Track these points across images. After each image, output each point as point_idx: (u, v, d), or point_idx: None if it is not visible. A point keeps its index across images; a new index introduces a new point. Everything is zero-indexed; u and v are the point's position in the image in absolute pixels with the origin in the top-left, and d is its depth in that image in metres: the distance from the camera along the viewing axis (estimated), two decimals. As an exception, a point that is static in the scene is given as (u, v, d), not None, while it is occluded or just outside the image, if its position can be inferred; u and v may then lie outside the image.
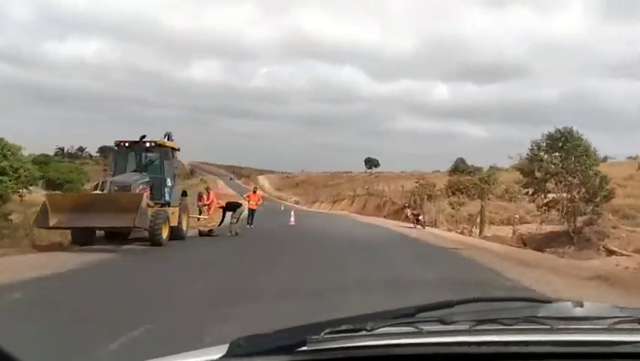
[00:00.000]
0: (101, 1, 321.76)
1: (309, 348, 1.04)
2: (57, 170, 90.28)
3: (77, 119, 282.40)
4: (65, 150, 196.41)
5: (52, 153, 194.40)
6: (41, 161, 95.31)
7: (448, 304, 1.21)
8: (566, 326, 1.12)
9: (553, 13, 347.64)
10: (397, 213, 31.97)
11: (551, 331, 1.10)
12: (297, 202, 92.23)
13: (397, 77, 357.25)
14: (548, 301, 1.24)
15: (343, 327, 1.09)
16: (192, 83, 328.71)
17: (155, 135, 16.67)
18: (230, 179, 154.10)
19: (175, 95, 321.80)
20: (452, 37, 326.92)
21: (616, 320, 1.13)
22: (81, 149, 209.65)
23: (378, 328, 1.08)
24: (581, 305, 1.16)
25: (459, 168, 48.04)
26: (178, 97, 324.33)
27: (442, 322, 1.11)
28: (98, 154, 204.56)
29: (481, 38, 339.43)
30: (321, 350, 1.04)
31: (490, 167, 48.34)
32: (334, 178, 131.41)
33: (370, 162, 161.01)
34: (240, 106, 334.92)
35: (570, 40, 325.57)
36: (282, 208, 52.01)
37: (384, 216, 35.60)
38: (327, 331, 1.07)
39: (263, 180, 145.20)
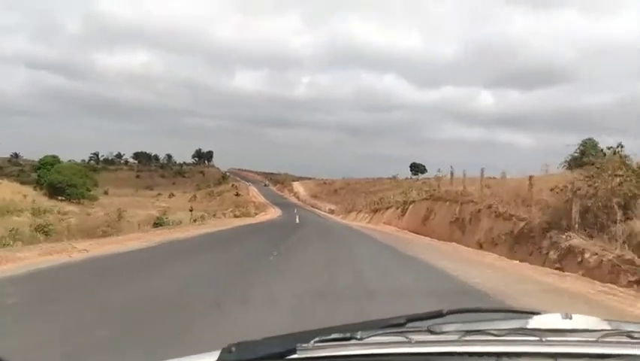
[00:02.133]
0: (147, 14, 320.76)
1: (299, 356, 1.03)
2: (59, 172, 78.27)
3: (123, 129, 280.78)
4: (101, 156, 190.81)
5: (87, 159, 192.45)
6: (48, 162, 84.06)
7: (438, 314, 1.20)
8: (555, 338, 1.11)
9: (603, 14, 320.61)
10: (523, 242, 13.72)
11: (541, 343, 1.09)
12: (332, 211, 76.45)
13: (440, 84, 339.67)
14: (537, 313, 1.19)
15: (333, 335, 1.08)
16: (236, 93, 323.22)
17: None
18: (265, 185, 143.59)
19: (219, 105, 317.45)
20: (496, 42, 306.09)
21: (604, 332, 1.12)
22: (119, 155, 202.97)
23: (368, 337, 1.07)
24: (570, 317, 1.14)
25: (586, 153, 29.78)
26: (222, 107, 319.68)
27: (432, 332, 1.10)
28: (133, 160, 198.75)
29: (526, 42, 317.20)
30: (311, 358, 1.03)
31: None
32: (377, 184, 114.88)
33: (416, 168, 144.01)
34: (282, 115, 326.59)
35: (622, 43, 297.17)
36: (297, 221, 36.76)
37: (491, 246, 15.61)
38: (317, 339, 1.06)
39: (298, 186, 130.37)
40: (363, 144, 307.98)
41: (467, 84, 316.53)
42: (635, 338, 1.12)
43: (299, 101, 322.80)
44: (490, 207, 16.22)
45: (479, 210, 17.20)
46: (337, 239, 20.97)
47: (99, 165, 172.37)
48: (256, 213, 63.36)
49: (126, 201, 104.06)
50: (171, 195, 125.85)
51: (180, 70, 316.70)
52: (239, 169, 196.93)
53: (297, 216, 46.24)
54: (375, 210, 37.24)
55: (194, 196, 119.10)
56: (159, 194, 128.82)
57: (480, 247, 15.84)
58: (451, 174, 24.93)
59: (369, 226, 32.18)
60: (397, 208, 32.48)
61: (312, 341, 1.06)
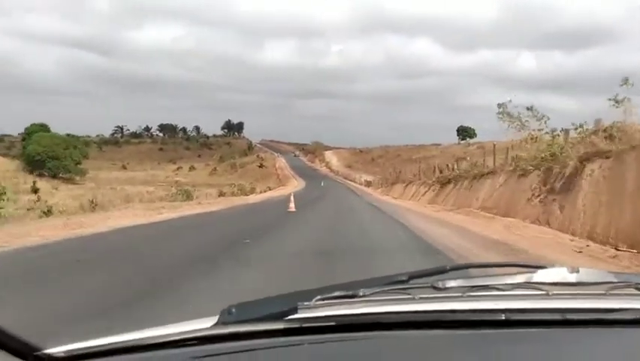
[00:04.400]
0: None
1: (301, 315, 1.01)
2: (39, 143, 64.92)
3: (154, 104, 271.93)
4: (126, 130, 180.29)
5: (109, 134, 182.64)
6: (34, 132, 71.00)
7: (442, 271, 1.15)
8: (562, 292, 1.08)
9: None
10: None
11: (547, 297, 1.06)
12: (368, 183, 60.41)
13: (477, 47, 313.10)
14: (543, 267, 1.14)
15: (335, 293, 1.05)
16: (267, 66, 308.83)
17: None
18: (295, 155, 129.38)
19: (250, 79, 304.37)
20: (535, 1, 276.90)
21: (612, 285, 1.09)
22: (147, 128, 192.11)
23: (371, 294, 1.05)
24: (577, 271, 1.09)
25: None
26: (253, 81, 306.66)
27: (435, 288, 1.06)
28: (159, 132, 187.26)
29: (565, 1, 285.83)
30: (313, 317, 1.01)
31: None
32: (420, 151, 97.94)
33: (465, 133, 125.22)
34: (314, 86, 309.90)
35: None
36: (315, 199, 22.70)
37: None
38: (318, 298, 1.03)
39: (330, 156, 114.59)
40: (397, 111, 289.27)
41: (506, 46, 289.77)
42: None
43: (331, 72, 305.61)
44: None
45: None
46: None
47: (122, 139, 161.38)
48: (269, 189, 48.35)
49: (137, 175, 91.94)
50: (192, 168, 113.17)
51: (211, 44, 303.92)
52: (271, 140, 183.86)
53: (321, 192, 34.22)
54: (444, 183, 21.31)
55: (215, 169, 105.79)
56: (180, 167, 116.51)
57: None
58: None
59: (440, 216, 15.59)
60: (485, 185, 16.07)
61: (313, 300, 1.02)
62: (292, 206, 15.96)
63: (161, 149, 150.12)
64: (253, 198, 28.32)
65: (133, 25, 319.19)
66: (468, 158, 25.45)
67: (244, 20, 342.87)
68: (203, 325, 1.04)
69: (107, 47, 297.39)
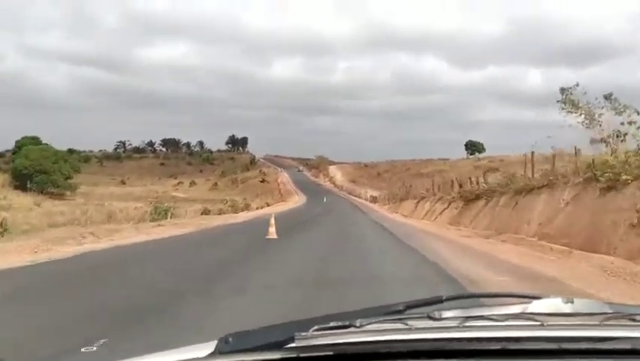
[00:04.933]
0: (184, 6, 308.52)
1: (298, 345, 1.00)
2: (27, 157, 61.18)
3: (160, 120, 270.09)
4: (129, 145, 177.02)
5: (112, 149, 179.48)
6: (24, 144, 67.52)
7: (438, 301, 1.17)
8: (557, 323, 1.07)
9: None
10: None
11: (542, 327, 1.05)
12: (374, 199, 56.26)
13: (484, 64, 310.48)
14: (538, 298, 1.16)
15: (332, 323, 1.05)
16: (274, 82, 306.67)
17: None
18: (299, 170, 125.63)
19: (257, 95, 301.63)
20: (543, 17, 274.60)
21: (606, 315, 1.09)
22: (151, 143, 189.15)
23: (367, 324, 1.04)
24: (571, 301, 1.11)
25: None
26: (260, 97, 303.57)
27: (432, 318, 1.07)
28: (161, 147, 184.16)
29: (576, 16, 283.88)
30: (310, 346, 1.00)
31: None
32: (428, 165, 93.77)
33: (473, 147, 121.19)
34: (320, 102, 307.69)
35: None
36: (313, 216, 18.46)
37: None
38: (315, 328, 1.03)
39: (334, 170, 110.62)
40: (402, 128, 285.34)
41: (513, 63, 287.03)
42: (637, 321, 1.08)
43: (336, 88, 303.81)
44: None
45: None
46: None
47: (124, 154, 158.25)
48: (267, 205, 44.46)
49: (134, 191, 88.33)
50: (192, 184, 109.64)
51: (217, 61, 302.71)
52: (275, 156, 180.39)
53: (323, 209, 31.38)
54: (469, 200, 17.03)
55: (215, 184, 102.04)
56: (180, 182, 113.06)
57: None
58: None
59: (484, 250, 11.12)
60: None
61: (310, 330, 1.02)
62: (272, 231, 11.85)
63: (162, 164, 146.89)
64: (243, 216, 24.34)
65: (140, 42, 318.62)
66: (500, 169, 21.25)
67: (251, 37, 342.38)
68: (200, 353, 1.02)
69: (113, 63, 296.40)
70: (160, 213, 23.56)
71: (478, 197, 16.79)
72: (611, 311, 1.10)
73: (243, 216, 24.03)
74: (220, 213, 28.57)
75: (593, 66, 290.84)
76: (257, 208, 40.42)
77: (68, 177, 60.83)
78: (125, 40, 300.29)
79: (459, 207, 18.59)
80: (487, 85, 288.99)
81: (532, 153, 15.23)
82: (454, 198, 20.95)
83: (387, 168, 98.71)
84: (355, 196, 66.96)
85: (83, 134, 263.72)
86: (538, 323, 1.05)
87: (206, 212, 26.05)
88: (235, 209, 30.24)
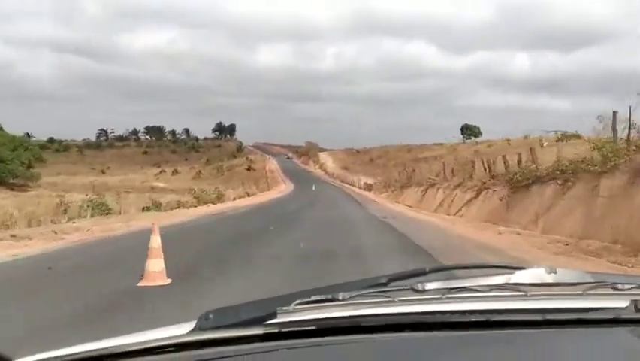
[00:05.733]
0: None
1: (280, 320, 0.98)
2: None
3: (146, 109, 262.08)
4: (111, 133, 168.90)
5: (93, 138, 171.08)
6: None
7: (421, 273, 1.14)
8: (540, 293, 1.08)
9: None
10: None
11: (525, 297, 1.06)
12: (368, 187, 50.63)
13: (472, 49, 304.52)
14: (521, 268, 1.12)
15: (314, 297, 1.03)
16: (261, 69, 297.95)
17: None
18: (288, 158, 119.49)
19: (245, 82, 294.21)
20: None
21: (589, 285, 1.08)
22: (135, 132, 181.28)
23: (350, 298, 1.02)
24: (555, 271, 1.08)
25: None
26: (248, 84, 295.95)
27: (415, 290, 1.04)
28: (146, 135, 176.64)
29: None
30: (292, 321, 0.98)
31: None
32: (424, 150, 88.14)
33: (470, 131, 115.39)
34: (308, 89, 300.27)
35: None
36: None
37: None
38: (297, 302, 1.01)
39: (325, 157, 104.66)
40: (393, 114, 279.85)
41: (501, 48, 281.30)
42: (620, 290, 1.08)
43: (325, 74, 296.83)
44: None
45: None
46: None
47: (106, 142, 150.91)
48: (247, 194, 38.63)
49: (109, 181, 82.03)
50: (175, 173, 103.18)
51: (204, 47, 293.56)
52: (264, 143, 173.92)
53: (310, 199, 26.71)
54: (519, 187, 11.39)
55: (199, 172, 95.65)
56: (162, 171, 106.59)
57: None
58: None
59: None
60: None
61: (292, 304, 1.00)
62: (154, 270, 5.45)
63: (145, 152, 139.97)
64: (194, 214, 18.29)
65: (125, 28, 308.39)
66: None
67: (237, 23, 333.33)
68: (180, 331, 1.01)
69: (97, 51, 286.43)
70: (98, 208, 17.77)
71: (537, 181, 11.01)
72: (593, 281, 1.08)
73: (192, 214, 18.09)
74: (178, 207, 22.64)
75: (581, 50, 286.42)
76: (234, 199, 34.55)
77: (29, 167, 54.45)
78: (109, 28, 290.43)
79: (504, 197, 12.65)
80: (476, 70, 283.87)
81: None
82: (484, 184, 15.14)
83: (381, 154, 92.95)
84: (348, 184, 61.20)
85: (66, 124, 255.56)
86: (521, 294, 1.04)
87: (155, 205, 20.11)
88: (201, 201, 24.34)
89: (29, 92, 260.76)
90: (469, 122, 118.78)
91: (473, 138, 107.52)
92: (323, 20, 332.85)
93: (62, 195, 41.33)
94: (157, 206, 20.35)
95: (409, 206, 24.10)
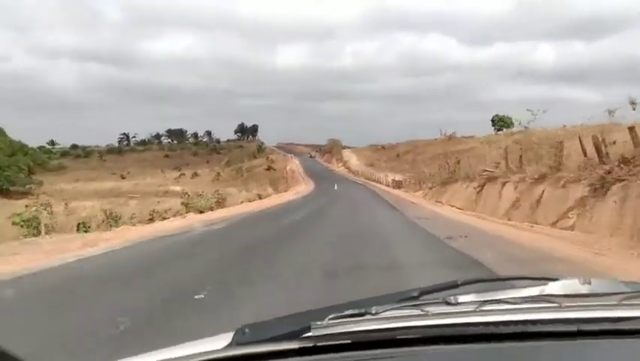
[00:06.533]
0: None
1: (314, 334, 0.98)
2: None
3: (174, 113, 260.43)
4: (132, 138, 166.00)
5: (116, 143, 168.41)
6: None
7: (453, 285, 1.13)
8: (574, 304, 1.04)
9: None
10: None
11: (559, 309, 1.03)
12: (398, 184, 44.71)
13: (492, 40, 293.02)
14: (555, 279, 1.12)
15: (348, 312, 1.02)
16: (281, 70, 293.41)
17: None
18: (311, 156, 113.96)
19: (266, 83, 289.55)
20: None
21: (624, 295, 1.05)
22: (158, 136, 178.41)
23: (383, 311, 1.02)
24: (589, 282, 1.07)
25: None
26: (269, 85, 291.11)
27: (448, 303, 1.04)
28: (167, 138, 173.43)
29: None
30: (326, 335, 0.98)
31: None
32: (454, 144, 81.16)
33: (501, 122, 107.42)
34: (330, 88, 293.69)
35: None
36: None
37: None
38: (331, 316, 1.00)
39: (349, 154, 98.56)
40: (415, 109, 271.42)
41: (523, 38, 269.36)
42: None
43: (345, 72, 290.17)
44: None
45: None
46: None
47: (127, 147, 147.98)
48: (259, 197, 33.20)
49: (123, 186, 78.07)
50: (194, 175, 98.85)
51: (223, 50, 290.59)
52: (288, 143, 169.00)
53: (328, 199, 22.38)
54: None
55: (218, 174, 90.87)
56: (182, 174, 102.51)
57: None
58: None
59: None
60: None
61: (326, 319, 0.99)
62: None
63: (166, 156, 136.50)
64: (169, 226, 12.79)
65: (146, 35, 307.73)
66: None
67: (254, 25, 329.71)
68: (217, 345, 1.00)
69: (120, 57, 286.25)
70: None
71: None
72: (629, 290, 1.05)
73: (169, 226, 12.57)
74: (163, 219, 17.19)
75: (606, 38, 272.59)
76: (241, 202, 29.10)
77: (31, 173, 50.26)
78: (128, 34, 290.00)
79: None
80: (498, 62, 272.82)
81: None
82: (610, 173, 9.10)
83: (408, 149, 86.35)
84: (374, 181, 55.24)
85: (91, 132, 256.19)
86: (555, 305, 1.01)
87: (151, 218, 14.60)
88: (192, 208, 18.87)
89: (53, 101, 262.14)
90: (495, 114, 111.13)
91: (504, 130, 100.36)
92: (341, 18, 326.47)
93: (64, 204, 36.86)
94: (115, 219, 14.82)
95: (460, 209, 18.09)
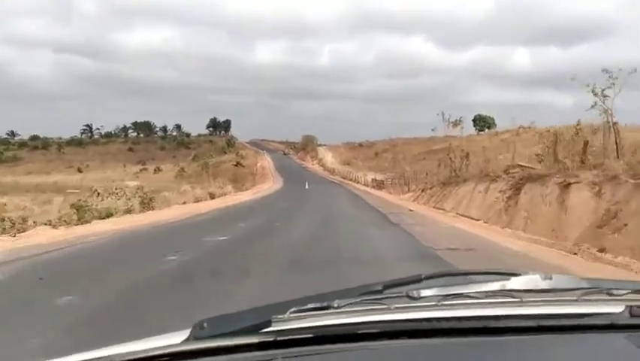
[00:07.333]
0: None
1: (275, 328, 0.96)
2: None
3: (147, 107, 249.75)
4: (96, 130, 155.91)
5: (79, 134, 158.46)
6: None
7: (416, 280, 1.11)
8: (535, 299, 1.06)
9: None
10: None
11: (520, 304, 1.04)
12: (379, 185, 38.87)
13: (471, 44, 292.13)
14: (517, 274, 1.11)
15: (309, 305, 1.01)
16: (258, 66, 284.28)
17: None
18: (284, 154, 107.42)
19: (242, 80, 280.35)
20: None
21: (583, 291, 1.07)
22: (125, 128, 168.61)
23: (346, 305, 1.00)
24: (550, 278, 1.07)
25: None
26: (245, 82, 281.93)
27: (410, 297, 1.03)
28: (134, 131, 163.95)
29: None
30: (288, 329, 0.96)
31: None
32: (437, 143, 75.97)
33: (483, 122, 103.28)
34: (307, 87, 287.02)
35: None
36: None
37: None
38: (292, 310, 0.98)
39: (324, 151, 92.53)
40: (393, 111, 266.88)
41: (501, 43, 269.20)
42: (615, 295, 1.06)
43: (323, 71, 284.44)
44: None
45: None
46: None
47: (89, 139, 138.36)
48: (210, 196, 26.84)
49: (69, 181, 70.51)
50: (157, 170, 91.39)
51: (200, 45, 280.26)
52: (262, 140, 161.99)
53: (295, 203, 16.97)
54: None
55: (182, 170, 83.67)
56: (144, 169, 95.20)
57: None
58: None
59: None
60: None
61: (287, 312, 0.97)
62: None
63: (130, 149, 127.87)
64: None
65: (121, 27, 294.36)
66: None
67: (233, 21, 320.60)
68: (174, 340, 0.98)
69: (93, 49, 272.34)
70: None
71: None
72: (588, 286, 1.06)
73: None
74: (48, 224, 10.71)
75: (581, 45, 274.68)
76: (184, 203, 22.69)
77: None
78: (102, 25, 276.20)
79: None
80: (477, 65, 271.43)
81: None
82: None
83: (387, 147, 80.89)
84: (352, 181, 49.30)
85: (57, 123, 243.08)
86: (516, 300, 1.02)
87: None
88: (84, 215, 12.38)
89: (20, 91, 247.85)
90: (473, 116, 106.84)
91: (486, 130, 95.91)
92: (321, 17, 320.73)
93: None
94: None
95: (480, 221, 12.14)
